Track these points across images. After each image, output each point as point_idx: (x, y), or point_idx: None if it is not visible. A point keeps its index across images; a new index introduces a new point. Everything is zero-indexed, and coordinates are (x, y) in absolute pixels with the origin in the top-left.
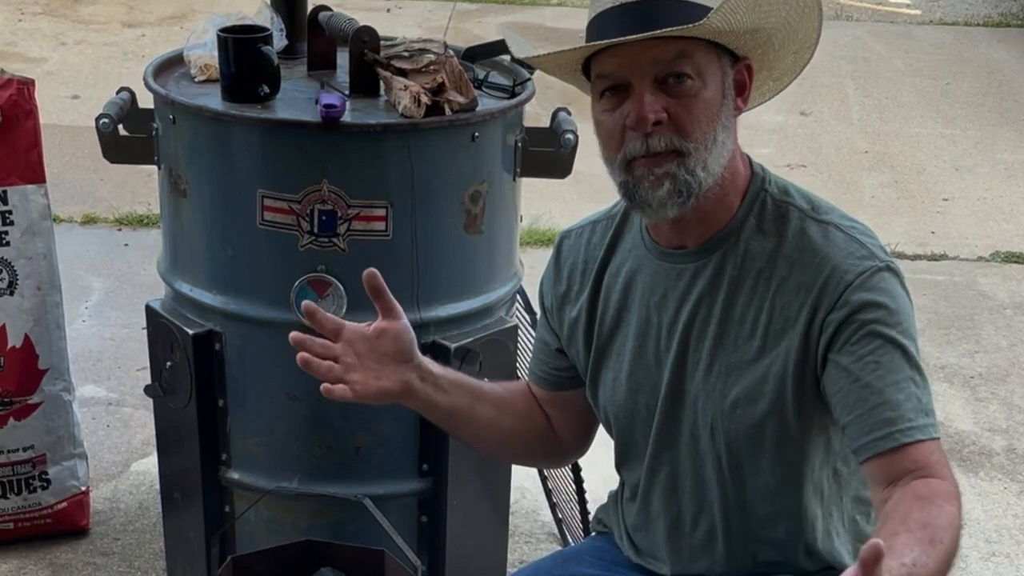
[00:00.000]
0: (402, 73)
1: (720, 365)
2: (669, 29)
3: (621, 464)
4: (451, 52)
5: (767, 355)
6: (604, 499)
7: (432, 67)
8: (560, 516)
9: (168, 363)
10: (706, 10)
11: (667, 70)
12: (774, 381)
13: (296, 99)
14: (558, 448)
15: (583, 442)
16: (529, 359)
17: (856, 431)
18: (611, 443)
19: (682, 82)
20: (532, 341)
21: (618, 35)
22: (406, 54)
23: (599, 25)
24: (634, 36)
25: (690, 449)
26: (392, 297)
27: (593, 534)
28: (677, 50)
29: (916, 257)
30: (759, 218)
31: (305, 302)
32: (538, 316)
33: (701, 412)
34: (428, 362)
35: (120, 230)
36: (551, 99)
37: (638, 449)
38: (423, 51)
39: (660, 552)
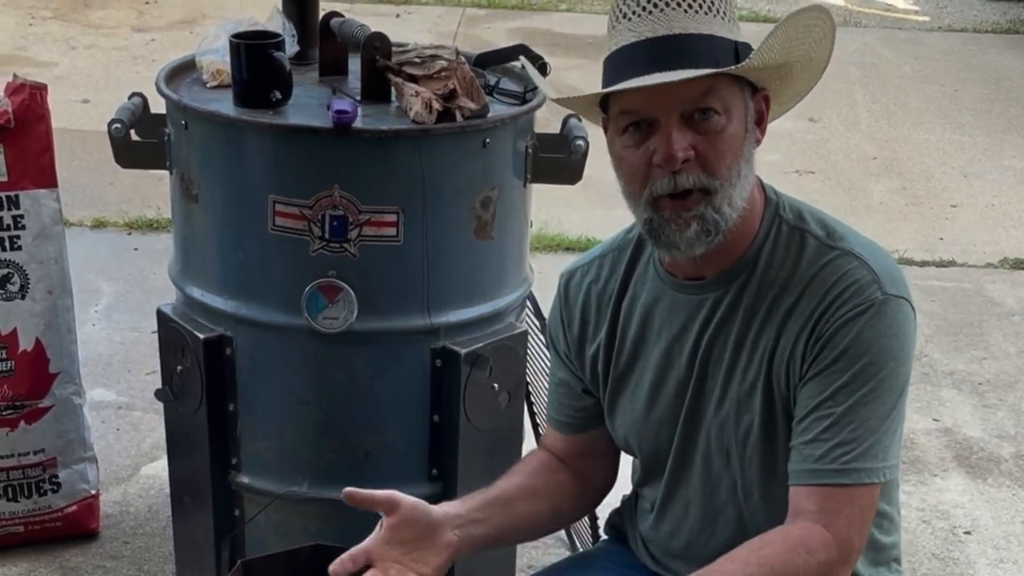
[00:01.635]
0: (414, 79)
1: (732, 392)
2: (711, 70)
3: (641, 483)
4: (463, 58)
5: (773, 384)
6: (613, 504)
7: (444, 73)
8: None
9: (179, 367)
10: (726, 42)
11: (694, 106)
12: (781, 409)
13: (308, 105)
14: (595, 493)
15: (613, 475)
16: (548, 408)
17: (793, 456)
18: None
19: (709, 118)
20: (539, 347)
21: (643, 72)
22: (418, 60)
23: (620, 60)
24: (674, 77)
25: (703, 474)
26: (374, 492)
27: (606, 538)
28: (705, 86)
29: (924, 263)
30: (774, 245)
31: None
32: (550, 361)
33: (715, 438)
34: (450, 507)
35: (130, 234)
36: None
37: (659, 472)
38: (435, 57)
39: (675, 565)
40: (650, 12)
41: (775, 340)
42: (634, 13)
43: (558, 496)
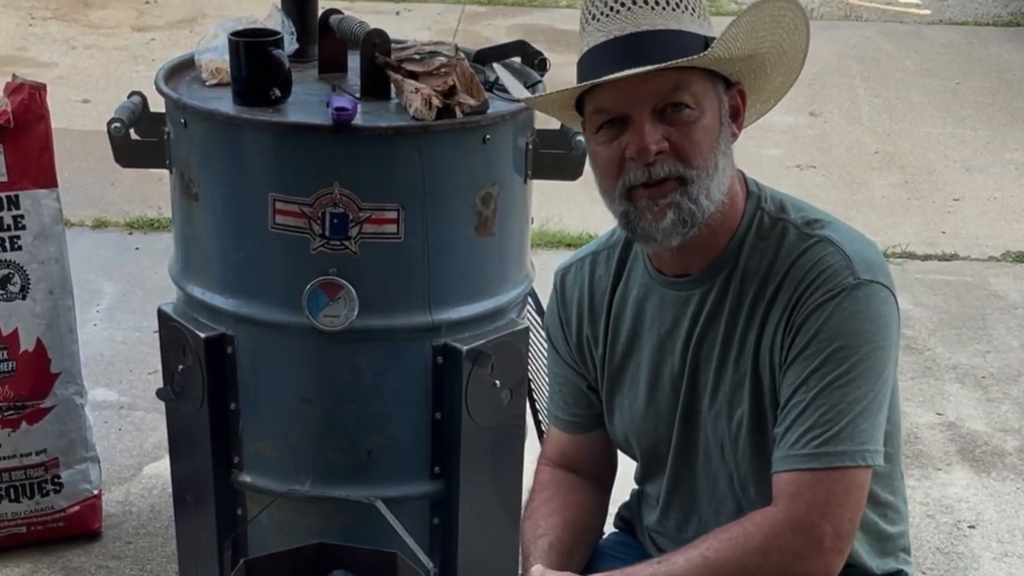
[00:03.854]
0: (413, 76)
1: (724, 387)
2: (675, 61)
3: (643, 479)
4: (462, 55)
5: (761, 375)
6: (623, 498)
7: (443, 70)
8: None
9: (180, 367)
10: (696, 37)
11: (665, 100)
12: (769, 400)
13: (307, 102)
14: (605, 490)
15: (615, 467)
16: (551, 407)
17: (775, 446)
18: None
19: (680, 111)
20: (541, 344)
21: (613, 70)
22: (417, 57)
23: (591, 61)
24: (638, 70)
25: (704, 467)
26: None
27: (615, 531)
28: (675, 80)
29: (927, 257)
30: (756, 238)
31: None
32: (549, 360)
33: (711, 431)
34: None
35: (131, 234)
36: None
37: (659, 467)
38: (434, 54)
39: None
40: (617, 11)
41: (759, 331)
42: (602, 14)
43: (586, 511)
